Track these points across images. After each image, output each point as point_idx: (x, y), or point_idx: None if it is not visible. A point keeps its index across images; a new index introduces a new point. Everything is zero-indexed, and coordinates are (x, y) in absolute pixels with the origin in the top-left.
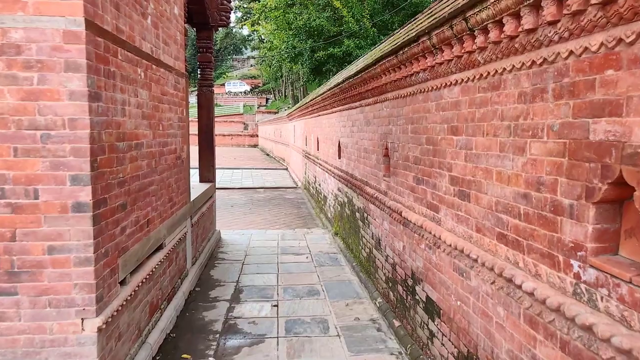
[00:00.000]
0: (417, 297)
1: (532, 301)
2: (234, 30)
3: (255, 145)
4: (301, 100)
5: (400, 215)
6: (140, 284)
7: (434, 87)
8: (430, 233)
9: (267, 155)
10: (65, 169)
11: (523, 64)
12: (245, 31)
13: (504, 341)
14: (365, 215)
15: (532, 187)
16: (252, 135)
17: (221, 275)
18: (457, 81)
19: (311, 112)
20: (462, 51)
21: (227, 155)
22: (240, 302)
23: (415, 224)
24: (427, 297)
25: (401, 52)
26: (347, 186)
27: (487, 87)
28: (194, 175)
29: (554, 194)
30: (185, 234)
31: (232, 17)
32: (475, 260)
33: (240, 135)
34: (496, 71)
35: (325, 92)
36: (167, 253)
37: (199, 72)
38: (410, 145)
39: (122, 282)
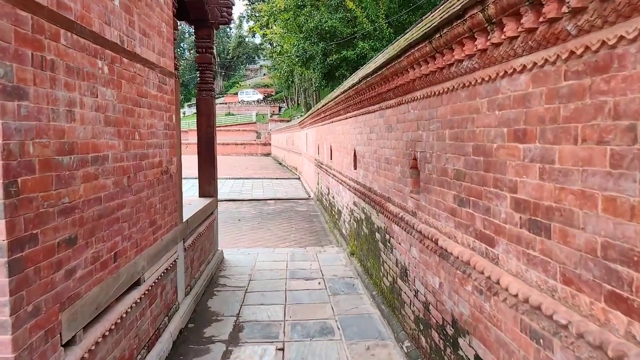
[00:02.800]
0: (460, 352)
1: None
2: (246, 39)
3: (268, 154)
4: (314, 107)
5: (436, 243)
6: (101, 338)
7: (486, 79)
8: (481, 273)
9: (280, 164)
10: None
11: None
12: (258, 39)
13: None
14: (388, 237)
15: None
16: (264, 144)
17: (220, 307)
18: (524, 67)
19: (323, 118)
20: (540, 21)
21: (239, 164)
22: (239, 344)
23: (458, 257)
24: (477, 356)
25: (438, 35)
26: (364, 201)
27: (584, 70)
28: (195, 189)
29: None
30: (174, 261)
31: (245, 26)
32: (565, 327)
33: (253, 144)
34: (603, 43)
35: (339, 95)
36: (148, 288)
37: (198, 75)
38: (449, 155)
39: (69, 343)
